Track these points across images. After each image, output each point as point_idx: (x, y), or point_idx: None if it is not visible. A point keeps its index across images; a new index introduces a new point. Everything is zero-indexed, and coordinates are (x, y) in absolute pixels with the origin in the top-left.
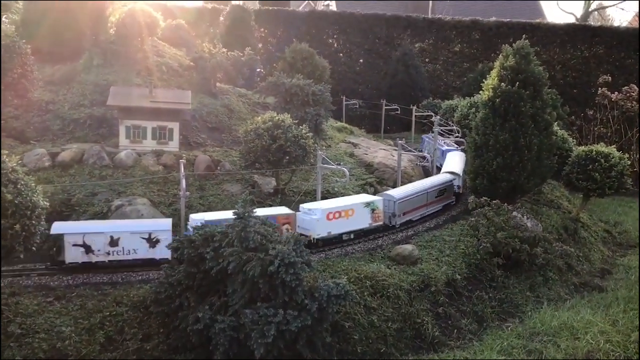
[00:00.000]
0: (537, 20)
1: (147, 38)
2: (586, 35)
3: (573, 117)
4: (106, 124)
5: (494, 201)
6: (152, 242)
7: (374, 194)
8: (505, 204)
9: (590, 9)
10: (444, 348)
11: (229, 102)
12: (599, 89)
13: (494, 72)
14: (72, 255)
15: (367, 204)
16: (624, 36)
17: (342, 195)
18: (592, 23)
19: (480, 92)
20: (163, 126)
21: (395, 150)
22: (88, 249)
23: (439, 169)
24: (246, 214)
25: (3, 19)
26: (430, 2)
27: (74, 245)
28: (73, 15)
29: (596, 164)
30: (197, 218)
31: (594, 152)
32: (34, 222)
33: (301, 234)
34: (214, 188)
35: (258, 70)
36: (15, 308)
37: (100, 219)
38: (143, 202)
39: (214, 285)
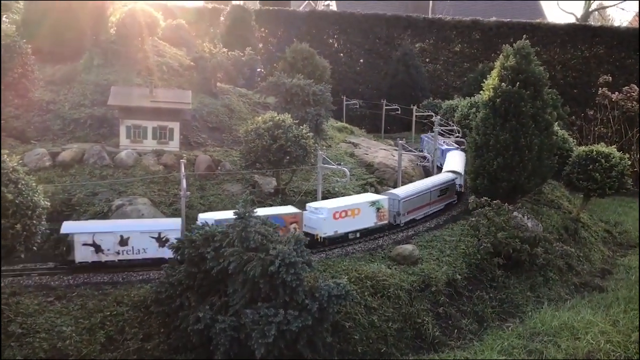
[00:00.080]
0: (538, 20)
1: (147, 38)
2: (586, 35)
3: (573, 117)
4: (107, 124)
5: (494, 201)
6: (162, 241)
7: (375, 193)
8: (506, 204)
9: (590, 9)
10: (444, 348)
11: (230, 102)
12: (600, 89)
13: (494, 72)
14: (82, 254)
15: (373, 203)
16: (624, 36)
17: (343, 195)
18: (592, 23)
19: (481, 92)
20: (163, 126)
21: (396, 150)
22: (98, 249)
23: (439, 169)
24: (247, 214)
25: (3, 18)
26: (431, 2)
27: (84, 244)
28: (74, 15)
29: (596, 164)
30: (207, 217)
31: (595, 152)
32: (34, 221)
33: (308, 233)
34: (215, 188)
35: (258, 70)
36: (15, 308)
37: (101, 218)
38: (144, 202)
39: (214, 285)
